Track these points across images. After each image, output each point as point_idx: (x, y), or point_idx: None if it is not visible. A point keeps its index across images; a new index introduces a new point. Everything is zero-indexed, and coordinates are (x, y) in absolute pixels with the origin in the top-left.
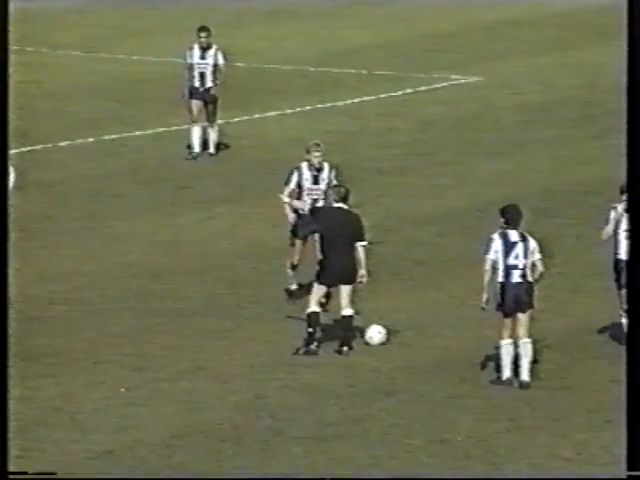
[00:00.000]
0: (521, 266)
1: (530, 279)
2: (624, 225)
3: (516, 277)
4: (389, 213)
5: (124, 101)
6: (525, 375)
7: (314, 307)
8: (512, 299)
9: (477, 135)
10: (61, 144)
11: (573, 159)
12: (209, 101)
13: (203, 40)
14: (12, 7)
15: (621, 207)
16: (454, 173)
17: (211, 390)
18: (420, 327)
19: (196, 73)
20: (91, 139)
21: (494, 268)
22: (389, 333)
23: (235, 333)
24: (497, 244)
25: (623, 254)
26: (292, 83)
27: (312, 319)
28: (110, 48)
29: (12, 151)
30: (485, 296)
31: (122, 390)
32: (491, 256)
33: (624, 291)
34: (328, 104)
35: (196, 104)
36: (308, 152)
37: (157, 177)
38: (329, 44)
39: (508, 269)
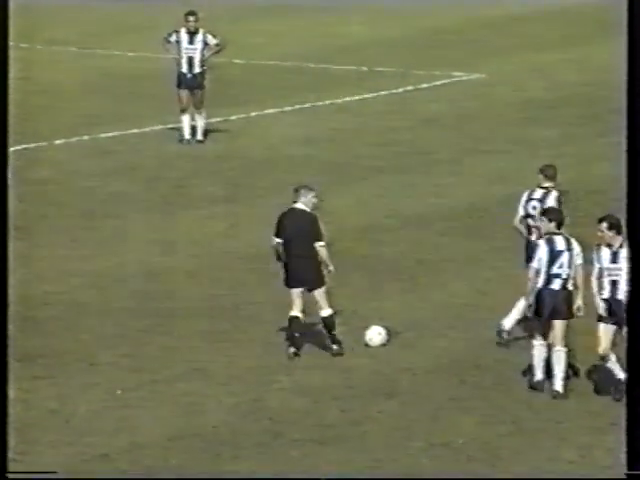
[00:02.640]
0: (564, 275)
1: (570, 287)
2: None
3: (556, 285)
4: (390, 212)
5: (120, 98)
6: (558, 385)
7: (294, 311)
8: (548, 306)
9: (480, 133)
10: (56, 142)
11: (577, 157)
12: (196, 87)
13: (191, 24)
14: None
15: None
16: (456, 171)
17: (209, 392)
18: (421, 328)
19: (184, 58)
20: (87, 137)
21: (537, 275)
22: (390, 334)
23: (233, 335)
24: (542, 252)
25: (621, 294)
26: (291, 80)
27: (293, 323)
28: (106, 44)
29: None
30: (530, 305)
31: (118, 392)
32: (535, 265)
33: (615, 329)
34: (328, 101)
35: (184, 93)
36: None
37: (154, 176)
38: (329, 40)
39: (550, 277)
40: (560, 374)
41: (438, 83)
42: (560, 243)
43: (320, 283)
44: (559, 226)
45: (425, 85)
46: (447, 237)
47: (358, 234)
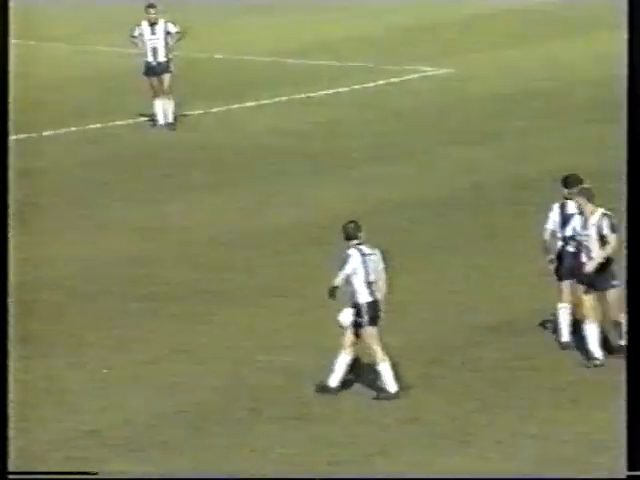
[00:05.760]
0: (578, 239)
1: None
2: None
3: (572, 247)
4: (363, 201)
5: (108, 92)
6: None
7: None
8: (568, 266)
9: (448, 125)
10: (45, 134)
11: (541, 148)
12: (162, 73)
13: (152, 16)
14: None
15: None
16: (427, 162)
17: (191, 372)
18: (392, 310)
19: (149, 48)
20: (74, 128)
21: (553, 237)
22: None
23: (215, 317)
24: (555, 214)
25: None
26: (270, 75)
27: None
28: (95, 41)
29: None
30: (549, 257)
31: (104, 371)
32: (549, 226)
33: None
34: (304, 95)
35: (152, 80)
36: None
37: (140, 166)
38: (305, 37)
39: (565, 239)
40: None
41: (408, 78)
42: (572, 207)
43: None
44: (570, 193)
45: (396, 80)
46: (418, 224)
47: (332, 222)
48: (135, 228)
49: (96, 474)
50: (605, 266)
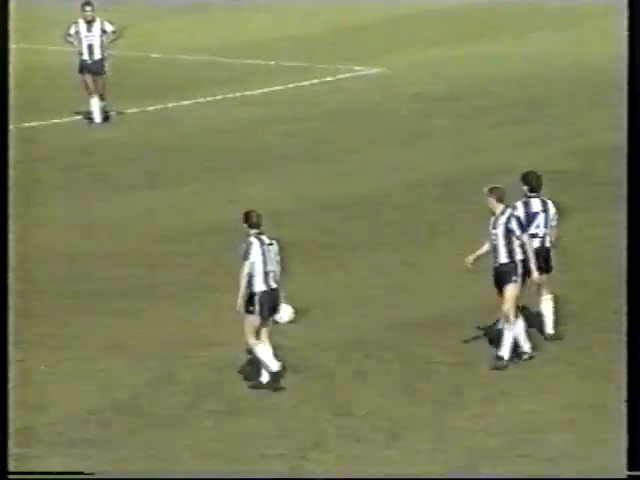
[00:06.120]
0: (541, 234)
1: (548, 245)
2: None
3: (535, 244)
4: (297, 198)
5: (42, 90)
6: (549, 328)
7: None
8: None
9: (380, 124)
10: None
11: (470, 147)
12: (97, 73)
13: (89, 14)
14: None
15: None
16: (359, 160)
17: (126, 368)
18: (327, 307)
19: (84, 46)
20: (10, 127)
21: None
22: (297, 312)
23: (150, 313)
24: (519, 212)
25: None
26: (205, 74)
27: None
28: (28, 39)
29: None
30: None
31: (42, 368)
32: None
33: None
34: (239, 94)
35: (88, 78)
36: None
37: (74, 163)
38: (239, 37)
39: (531, 237)
40: (549, 319)
41: (342, 77)
42: (536, 205)
43: None
44: (534, 189)
45: (329, 79)
46: (351, 222)
47: (267, 219)
48: (69, 225)
49: (92, 474)
50: (511, 262)
